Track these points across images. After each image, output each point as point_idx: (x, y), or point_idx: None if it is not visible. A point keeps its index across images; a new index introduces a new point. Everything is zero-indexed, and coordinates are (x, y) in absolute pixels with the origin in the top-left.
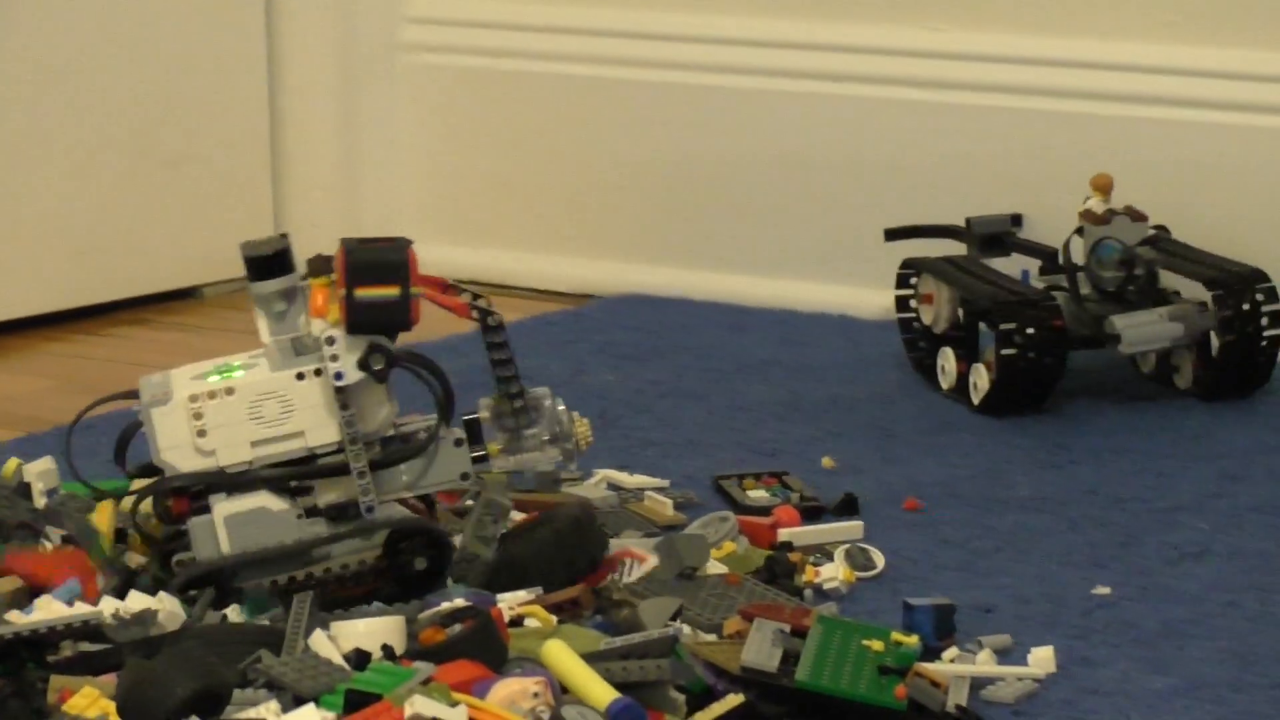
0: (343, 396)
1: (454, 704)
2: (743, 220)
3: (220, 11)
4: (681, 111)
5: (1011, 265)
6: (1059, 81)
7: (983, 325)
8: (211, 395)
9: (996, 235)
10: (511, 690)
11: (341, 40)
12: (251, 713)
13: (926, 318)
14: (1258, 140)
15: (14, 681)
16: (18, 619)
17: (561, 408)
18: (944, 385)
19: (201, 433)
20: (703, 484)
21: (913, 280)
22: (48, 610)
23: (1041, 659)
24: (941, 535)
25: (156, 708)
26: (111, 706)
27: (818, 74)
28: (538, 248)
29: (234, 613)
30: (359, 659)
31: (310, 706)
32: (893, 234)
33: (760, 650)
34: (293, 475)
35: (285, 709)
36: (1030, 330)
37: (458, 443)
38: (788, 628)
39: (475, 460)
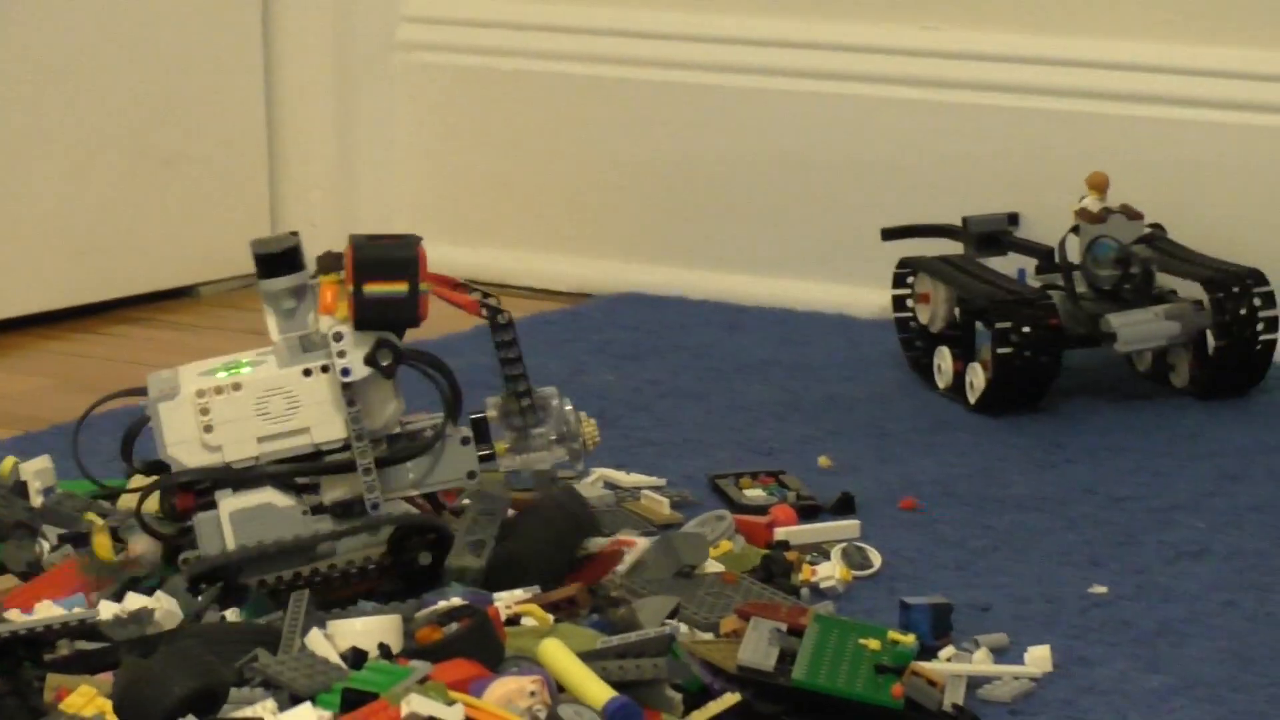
0: (349, 393)
1: (451, 703)
2: (740, 219)
3: (218, 11)
4: (678, 110)
5: (1008, 264)
6: (1055, 80)
7: (979, 324)
8: (218, 390)
9: (993, 234)
10: (508, 689)
11: (339, 39)
12: (248, 711)
13: (923, 317)
14: (1254, 139)
15: (11, 680)
16: (15, 618)
17: (569, 407)
18: (940, 384)
19: (208, 428)
20: (700, 483)
21: (909, 279)
22: (45, 610)
23: (1038, 658)
24: (938, 534)
25: (153, 706)
26: (108, 705)
27: (814, 73)
28: (535, 247)
29: (232, 614)
30: (356, 658)
31: (307, 705)
32: (889, 233)
33: (757, 649)
34: (298, 471)
35: (282, 708)
36: (1026, 329)
37: (464, 441)
38: (784, 626)
39: (482, 459)
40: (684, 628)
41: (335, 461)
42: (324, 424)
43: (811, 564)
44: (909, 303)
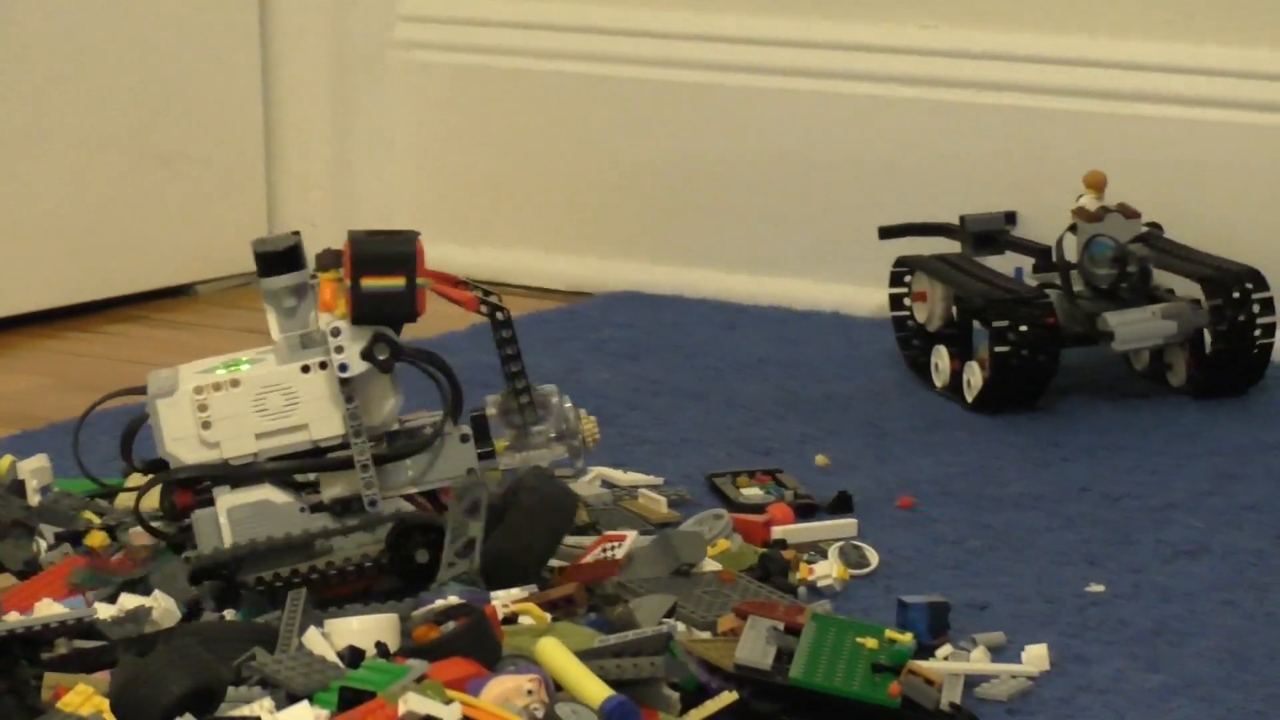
0: (347, 389)
1: (448, 701)
2: (738, 219)
3: (215, 10)
4: (675, 109)
5: (1005, 263)
6: (1053, 79)
7: (976, 323)
8: (216, 387)
9: (990, 233)
10: (505, 688)
11: (336, 38)
12: (245, 710)
13: (920, 315)
14: (1252, 138)
15: (8, 679)
16: (13, 617)
17: (569, 405)
18: (938, 383)
19: (206, 425)
20: (697, 482)
21: (906, 278)
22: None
23: (1035, 657)
24: (935, 533)
25: (151, 705)
26: (105, 704)
27: (812, 72)
28: (532, 245)
29: (229, 615)
30: (353, 656)
31: (304, 704)
32: (887, 232)
33: (754, 648)
34: (297, 468)
35: (279, 706)
36: (1023, 328)
37: (464, 439)
38: (782, 625)
39: (481, 456)
40: (681, 626)
41: (334, 458)
42: (322, 420)
43: (809, 563)
44: (906, 301)
